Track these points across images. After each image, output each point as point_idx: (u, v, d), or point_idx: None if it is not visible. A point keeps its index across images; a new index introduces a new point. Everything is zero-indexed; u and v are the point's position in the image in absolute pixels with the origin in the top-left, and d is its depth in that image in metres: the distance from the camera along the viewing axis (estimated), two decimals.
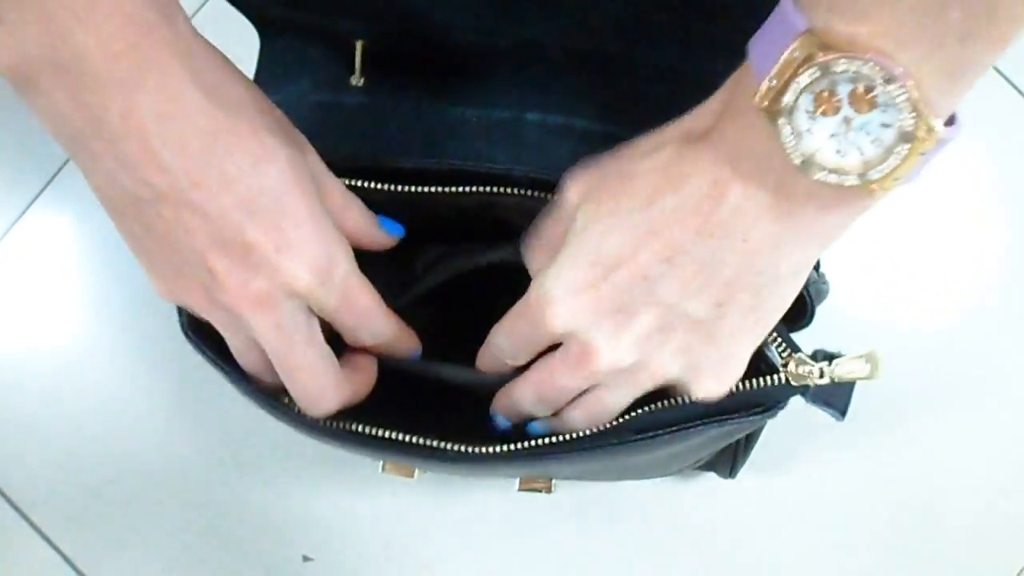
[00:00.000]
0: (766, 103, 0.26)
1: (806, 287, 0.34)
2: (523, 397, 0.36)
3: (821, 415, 0.35)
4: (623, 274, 0.31)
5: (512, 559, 0.55)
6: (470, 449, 0.36)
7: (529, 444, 0.36)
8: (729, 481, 0.53)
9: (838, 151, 0.26)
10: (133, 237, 0.32)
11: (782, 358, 0.34)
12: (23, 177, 0.58)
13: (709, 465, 0.50)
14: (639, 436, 0.35)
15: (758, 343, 0.34)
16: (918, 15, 0.23)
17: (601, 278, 0.31)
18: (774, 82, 0.25)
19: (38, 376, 0.57)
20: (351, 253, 0.34)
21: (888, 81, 0.24)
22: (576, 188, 0.33)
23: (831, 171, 0.26)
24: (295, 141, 0.33)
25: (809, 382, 0.34)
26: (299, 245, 0.31)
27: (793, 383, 0.34)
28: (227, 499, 0.56)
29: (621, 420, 0.35)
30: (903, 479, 0.56)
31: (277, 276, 0.31)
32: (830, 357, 0.34)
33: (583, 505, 0.55)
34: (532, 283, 0.34)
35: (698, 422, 0.35)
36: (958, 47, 0.23)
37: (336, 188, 0.35)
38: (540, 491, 0.45)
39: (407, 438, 0.36)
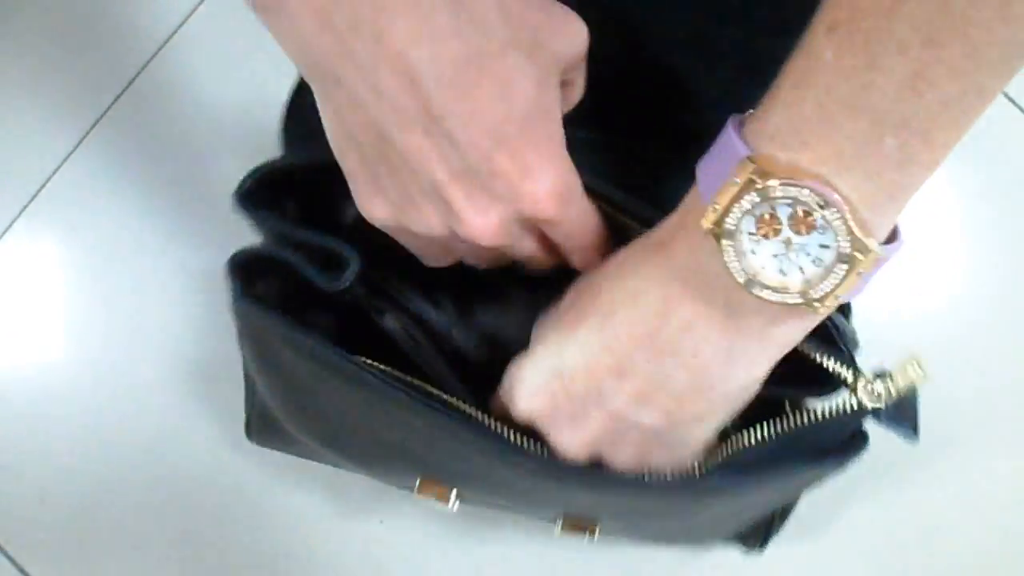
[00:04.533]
0: (711, 225, 0.27)
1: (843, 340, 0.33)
2: None
3: None
4: (579, 386, 0.33)
5: None
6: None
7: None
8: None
9: (780, 270, 0.27)
10: (362, 163, 0.31)
11: (848, 385, 0.33)
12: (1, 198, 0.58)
13: (739, 536, 0.47)
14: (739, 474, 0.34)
15: (711, 438, 0.34)
16: (856, 144, 0.24)
17: (559, 387, 0.33)
18: (717, 206, 0.26)
19: (12, 406, 0.56)
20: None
21: (823, 206, 0.25)
22: (568, 295, 0.34)
23: (774, 290, 0.27)
24: (541, 45, 0.30)
25: (881, 403, 0.33)
26: (542, 170, 0.30)
27: (868, 404, 0.33)
28: (208, 526, 0.54)
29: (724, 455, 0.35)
30: (916, 529, 0.52)
31: (519, 203, 0.30)
32: (879, 374, 0.33)
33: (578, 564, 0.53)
34: (508, 368, 0.35)
35: (799, 463, 0.34)
36: (896, 172, 0.25)
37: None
38: (585, 534, 0.41)
39: (490, 423, 0.35)
